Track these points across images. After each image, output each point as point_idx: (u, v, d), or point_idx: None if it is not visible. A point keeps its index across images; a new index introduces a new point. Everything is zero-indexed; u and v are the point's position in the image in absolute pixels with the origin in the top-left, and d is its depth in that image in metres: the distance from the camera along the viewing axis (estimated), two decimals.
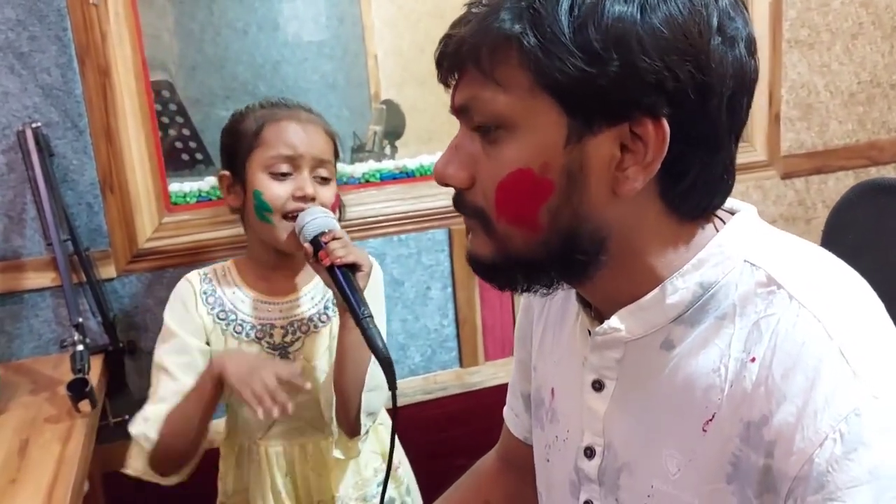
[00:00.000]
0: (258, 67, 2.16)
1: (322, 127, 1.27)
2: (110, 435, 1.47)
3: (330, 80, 2.25)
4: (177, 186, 1.57)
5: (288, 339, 1.28)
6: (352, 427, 1.24)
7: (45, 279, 1.45)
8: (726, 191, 0.68)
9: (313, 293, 1.32)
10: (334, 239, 1.16)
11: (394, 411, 1.03)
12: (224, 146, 1.29)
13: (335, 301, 1.25)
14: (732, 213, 0.69)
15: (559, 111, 0.61)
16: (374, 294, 1.31)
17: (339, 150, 1.32)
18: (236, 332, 1.27)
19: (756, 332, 0.62)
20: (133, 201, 1.49)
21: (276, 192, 1.21)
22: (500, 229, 0.66)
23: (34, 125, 1.39)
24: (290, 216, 1.21)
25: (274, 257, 1.28)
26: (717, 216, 0.69)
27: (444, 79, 0.68)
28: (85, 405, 1.22)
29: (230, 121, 1.29)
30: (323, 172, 1.25)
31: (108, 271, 1.49)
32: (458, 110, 0.67)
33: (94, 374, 1.33)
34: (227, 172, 1.28)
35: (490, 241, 0.67)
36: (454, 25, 0.65)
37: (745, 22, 0.63)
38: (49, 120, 1.42)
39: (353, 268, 1.15)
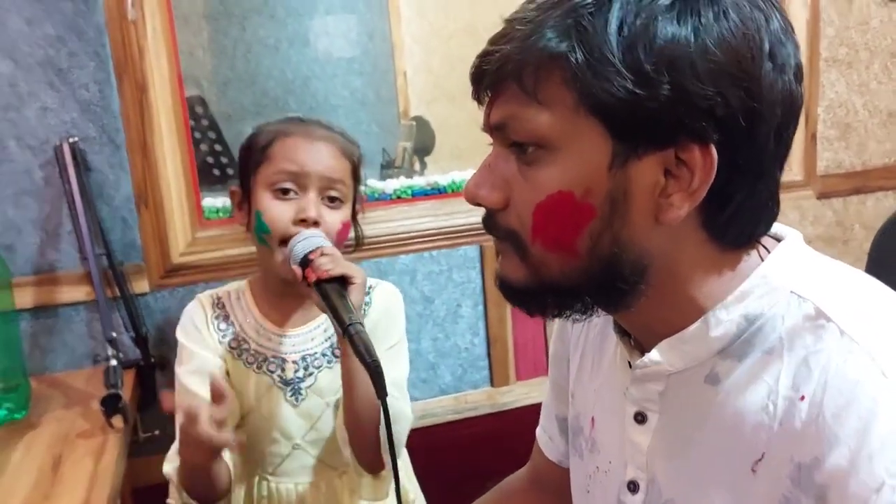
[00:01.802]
0: (289, 83, 2.19)
1: (338, 146, 1.18)
2: (140, 450, 1.47)
3: (359, 97, 2.27)
4: (209, 201, 1.58)
5: (300, 374, 1.21)
6: (373, 463, 1.14)
7: (79, 293, 1.46)
8: (771, 218, 0.65)
9: (326, 325, 1.23)
10: (322, 255, 1.06)
11: (386, 423, 0.87)
12: (238, 161, 1.23)
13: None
14: (778, 239, 0.67)
15: (604, 133, 0.59)
16: (391, 323, 1.23)
17: (359, 173, 1.22)
18: (248, 362, 1.21)
19: (805, 369, 0.59)
20: (167, 216, 1.50)
21: (276, 212, 1.13)
22: (536, 253, 0.63)
23: (71, 140, 1.41)
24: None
25: (280, 284, 1.18)
26: (761, 243, 0.66)
27: (479, 95, 0.65)
28: (118, 420, 1.22)
29: (247, 137, 1.22)
30: (333, 192, 1.16)
31: (141, 286, 1.50)
32: (494, 128, 0.65)
33: (127, 389, 1.33)
34: (237, 188, 1.23)
35: (523, 266, 0.65)
36: (494, 41, 0.63)
37: (795, 47, 0.61)
38: (86, 135, 1.44)
39: (343, 281, 1.04)
